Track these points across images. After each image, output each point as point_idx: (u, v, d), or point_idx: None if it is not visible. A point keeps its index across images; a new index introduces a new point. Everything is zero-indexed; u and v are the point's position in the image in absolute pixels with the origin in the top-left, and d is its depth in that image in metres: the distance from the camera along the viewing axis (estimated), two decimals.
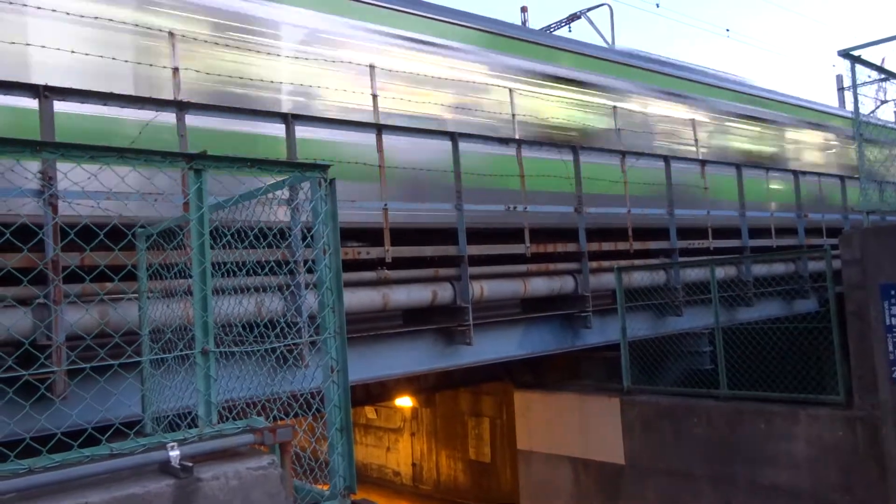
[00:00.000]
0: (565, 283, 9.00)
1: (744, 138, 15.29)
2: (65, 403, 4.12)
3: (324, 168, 3.52)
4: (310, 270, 3.68)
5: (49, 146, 3.15)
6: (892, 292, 6.74)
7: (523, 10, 30.50)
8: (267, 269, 3.69)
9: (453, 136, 7.87)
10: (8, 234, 2.75)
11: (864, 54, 7.77)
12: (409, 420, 16.58)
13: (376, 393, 11.54)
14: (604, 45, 18.44)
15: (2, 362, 4.08)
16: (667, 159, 10.85)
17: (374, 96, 8.26)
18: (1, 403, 3.27)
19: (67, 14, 6.25)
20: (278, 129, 6.45)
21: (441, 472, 15.72)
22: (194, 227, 3.18)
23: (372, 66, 8.37)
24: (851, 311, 7.33)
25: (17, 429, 3.12)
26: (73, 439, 2.86)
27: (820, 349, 8.39)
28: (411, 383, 11.69)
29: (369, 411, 17.41)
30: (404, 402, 15.38)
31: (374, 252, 7.13)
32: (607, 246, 10.00)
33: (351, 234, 7.51)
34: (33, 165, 4.80)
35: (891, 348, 6.75)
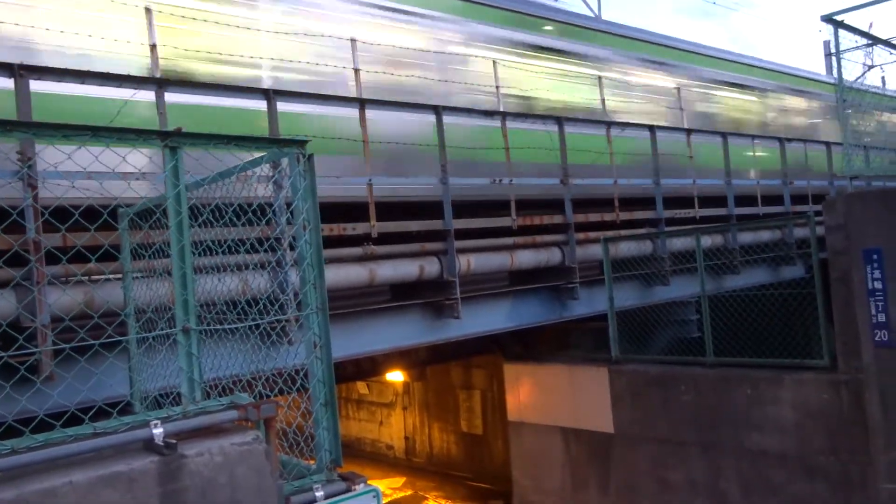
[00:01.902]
0: (552, 255, 9.02)
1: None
2: (48, 384, 4.12)
3: (301, 143, 3.49)
4: (293, 247, 3.67)
5: (21, 126, 3.11)
6: (875, 257, 6.80)
7: None
8: (247, 246, 3.67)
9: (437, 109, 7.83)
10: None
11: (850, 19, 7.75)
12: (401, 394, 16.69)
13: (367, 368, 11.61)
14: (588, 13, 18.56)
15: None
16: (651, 128, 10.84)
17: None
18: None
19: None
20: None
21: (434, 445, 15.87)
22: (171, 205, 3.16)
23: None
24: (836, 277, 7.40)
25: None
26: (57, 420, 2.86)
27: (805, 315, 8.48)
28: (402, 358, 11.75)
29: (361, 386, 17.51)
30: (396, 376, 15.46)
31: (359, 228, 7.12)
32: (594, 217, 10.01)
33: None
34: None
35: (873, 312, 6.82)
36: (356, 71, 8.15)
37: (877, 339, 6.85)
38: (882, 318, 6.79)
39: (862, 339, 6.96)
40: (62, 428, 2.80)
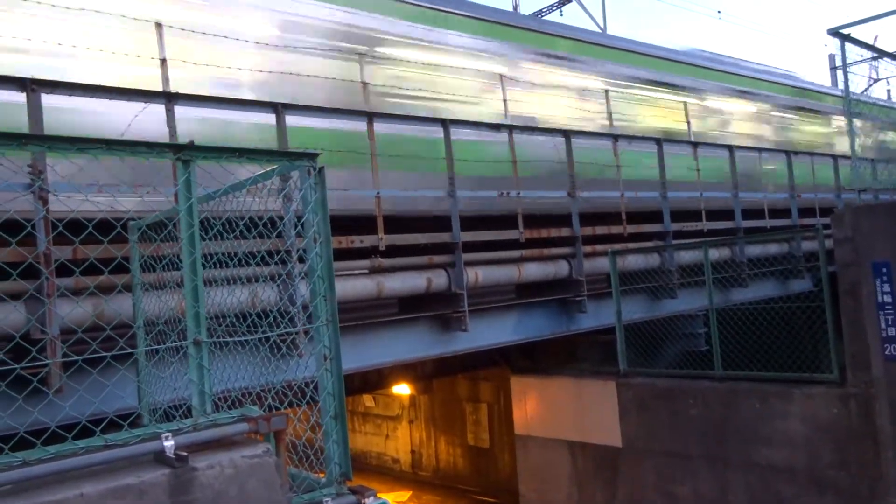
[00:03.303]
0: (560, 268, 9.02)
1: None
2: (59, 396, 4.13)
3: (312, 156, 3.51)
4: (302, 259, 3.68)
5: (36, 139, 3.14)
6: (884, 270, 6.77)
7: None
8: (258, 259, 3.69)
9: (444, 123, 7.85)
10: None
11: (856, 32, 7.77)
12: (408, 407, 16.64)
13: (374, 381, 11.58)
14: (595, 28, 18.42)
15: None
16: (659, 142, 10.85)
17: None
18: None
19: None
20: None
21: (440, 459, 15.80)
22: (183, 217, 3.17)
23: None
24: (844, 290, 7.37)
25: (11, 422, 3.13)
26: (69, 432, 2.87)
27: (814, 328, 8.44)
28: (408, 371, 11.74)
29: (367, 399, 17.47)
30: (402, 389, 15.43)
31: (367, 240, 7.14)
32: (601, 230, 10.01)
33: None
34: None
35: (883, 325, 6.79)
36: (364, 84, 8.19)
37: (887, 352, 6.82)
38: (892, 331, 6.75)
39: (872, 353, 6.93)
40: (73, 440, 2.81)
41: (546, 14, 29.80)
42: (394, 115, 7.99)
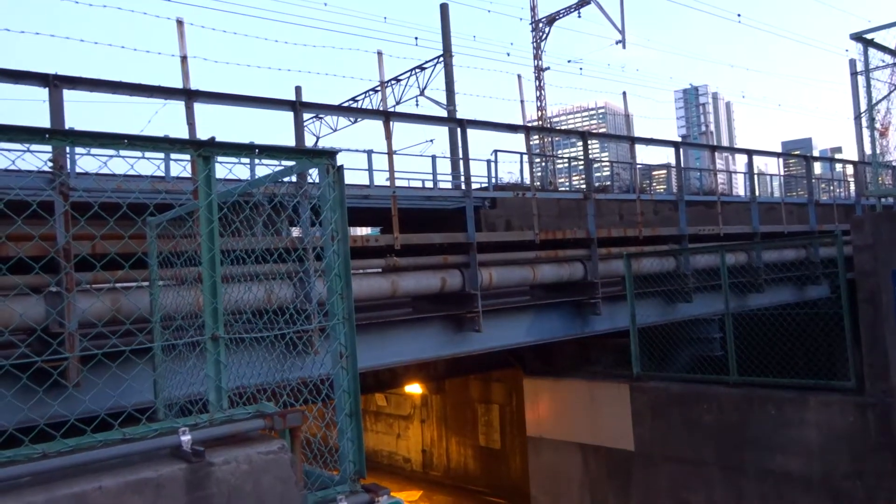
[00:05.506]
0: (574, 270, 8.99)
1: None
2: (78, 390, 4.16)
3: (331, 154, 3.51)
4: (318, 257, 3.68)
5: (58, 133, 3.16)
6: None
7: None
8: (275, 256, 3.70)
9: (461, 123, 7.86)
10: (20, 222, 2.77)
11: (879, 38, 7.69)
12: (419, 407, 16.66)
13: (386, 380, 11.61)
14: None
15: (16, 349, 4.12)
16: (677, 145, 10.79)
17: None
18: (15, 390, 3.30)
19: None
20: None
21: (451, 459, 15.80)
22: (203, 213, 3.18)
23: None
24: (863, 298, 7.29)
25: (31, 414, 3.16)
26: (87, 425, 2.89)
27: (831, 335, 8.35)
28: (421, 370, 11.75)
29: (379, 398, 17.51)
30: (414, 389, 15.45)
31: (382, 239, 7.15)
32: (616, 232, 9.97)
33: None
34: None
35: None
36: (384, 84, 8.20)
37: None
38: None
39: (890, 362, 6.86)
40: (92, 433, 2.82)
41: (563, 16, 29.74)
42: (409, 115, 8.00)
